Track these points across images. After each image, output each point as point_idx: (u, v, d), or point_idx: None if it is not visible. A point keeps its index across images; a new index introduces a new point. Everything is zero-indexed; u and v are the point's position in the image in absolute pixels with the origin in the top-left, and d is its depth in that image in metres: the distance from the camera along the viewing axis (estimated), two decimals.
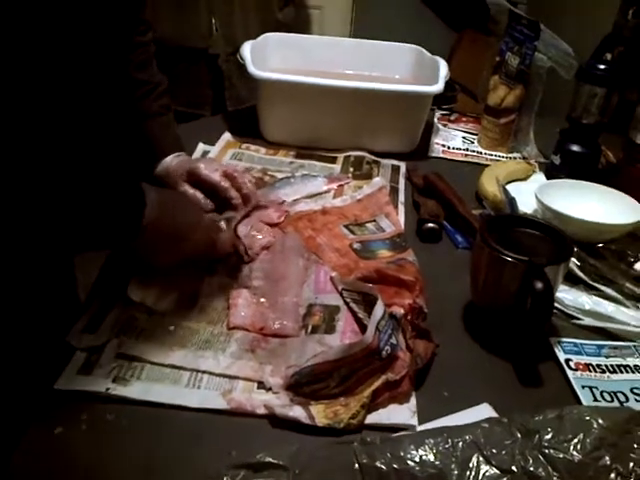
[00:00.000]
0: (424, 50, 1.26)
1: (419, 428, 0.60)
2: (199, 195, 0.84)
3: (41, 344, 0.67)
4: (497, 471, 0.50)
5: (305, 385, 0.62)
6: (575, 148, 1.05)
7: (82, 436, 0.57)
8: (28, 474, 0.54)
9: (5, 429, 0.58)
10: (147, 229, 0.63)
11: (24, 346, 0.72)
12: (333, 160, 1.11)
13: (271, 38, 1.25)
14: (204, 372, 0.64)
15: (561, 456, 0.50)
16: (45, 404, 0.59)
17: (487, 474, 0.50)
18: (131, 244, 0.65)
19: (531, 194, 0.94)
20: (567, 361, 0.70)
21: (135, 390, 0.61)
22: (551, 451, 0.50)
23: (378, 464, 0.50)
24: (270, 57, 1.22)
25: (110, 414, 0.59)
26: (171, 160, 0.88)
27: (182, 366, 0.64)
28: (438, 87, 1.08)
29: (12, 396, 0.66)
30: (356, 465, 0.50)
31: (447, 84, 1.12)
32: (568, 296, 0.79)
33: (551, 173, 1.07)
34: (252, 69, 1.07)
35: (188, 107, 1.39)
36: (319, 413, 0.60)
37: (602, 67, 1.00)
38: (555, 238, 0.72)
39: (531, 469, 0.49)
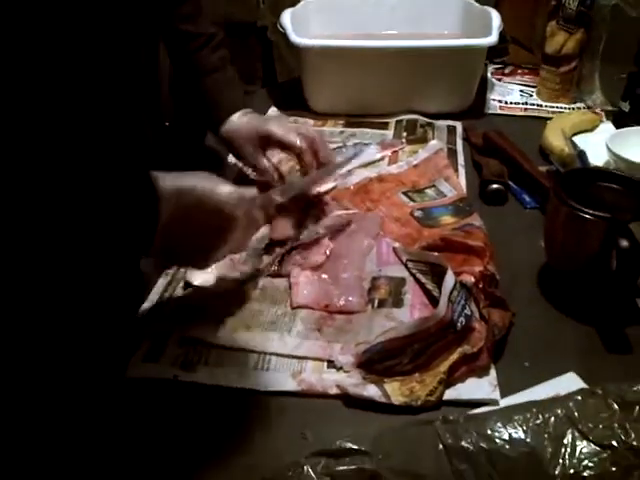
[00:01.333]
0: (472, 1, 1.19)
1: (502, 402, 0.56)
2: (268, 165, 0.79)
3: (109, 333, 0.66)
4: (596, 447, 0.46)
5: (377, 362, 0.59)
6: None
7: (153, 424, 0.56)
8: (103, 462, 0.53)
9: (79, 417, 0.58)
10: (164, 229, 0.53)
11: (93, 335, 0.71)
12: (384, 126, 1.06)
13: (311, 3, 1.20)
14: (272, 354, 0.62)
15: None
16: (118, 392, 0.58)
17: (585, 450, 0.46)
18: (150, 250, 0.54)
19: (600, 145, 0.88)
20: None
21: (202, 375, 0.60)
22: None
23: (464, 444, 0.47)
24: (312, 23, 1.18)
25: (180, 401, 0.58)
26: (238, 119, 0.82)
27: (248, 348, 0.63)
28: (492, 39, 1.02)
29: (83, 386, 0.66)
30: (440, 446, 0.47)
31: (499, 35, 1.05)
32: None
33: (620, 121, 1.00)
34: (293, 37, 1.03)
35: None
36: (394, 391, 0.57)
37: None
38: (636, 191, 0.67)
39: (634, 443, 0.45)
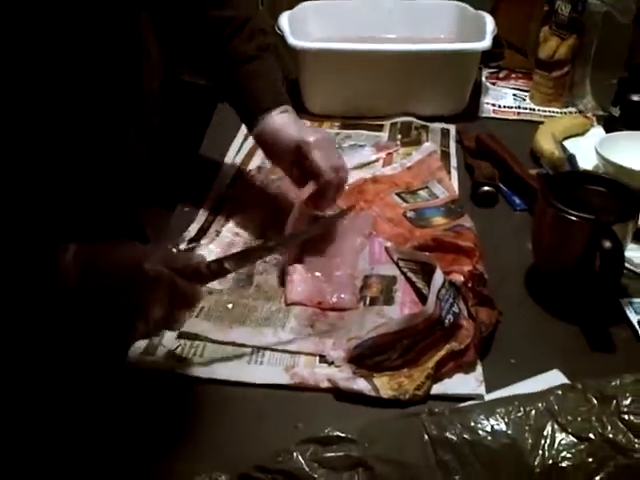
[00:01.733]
0: (467, 6, 1.21)
1: (487, 397, 0.58)
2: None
3: (105, 327, 0.68)
4: (574, 439, 0.48)
5: (367, 357, 0.61)
6: (636, 98, 0.99)
7: (150, 416, 0.58)
8: (102, 454, 0.55)
9: (73, 413, 0.59)
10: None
11: (91, 331, 0.73)
12: (380, 128, 1.08)
13: (309, 6, 1.22)
14: (265, 348, 0.64)
15: None
16: (113, 385, 0.60)
17: (563, 442, 0.48)
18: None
19: (590, 149, 0.90)
20: None
21: (198, 369, 0.62)
22: (631, 417, 0.48)
23: (448, 435, 0.49)
24: (309, 26, 1.20)
25: (176, 393, 0.60)
26: (273, 121, 0.75)
27: (243, 343, 0.65)
28: (486, 43, 1.04)
29: (80, 380, 0.67)
30: (426, 437, 0.49)
31: (493, 40, 1.07)
32: (637, 254, 0.75)
33: (610, 126, 1.01)
34: (290, 39, 1.05)
35: None
36: (383, 385, 0.59)
37: None
38: (622, 194, 0.69)
39: (610, 436, 0.47)
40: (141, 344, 0.64)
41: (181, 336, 0.65)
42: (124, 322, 0.58)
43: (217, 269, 0.60)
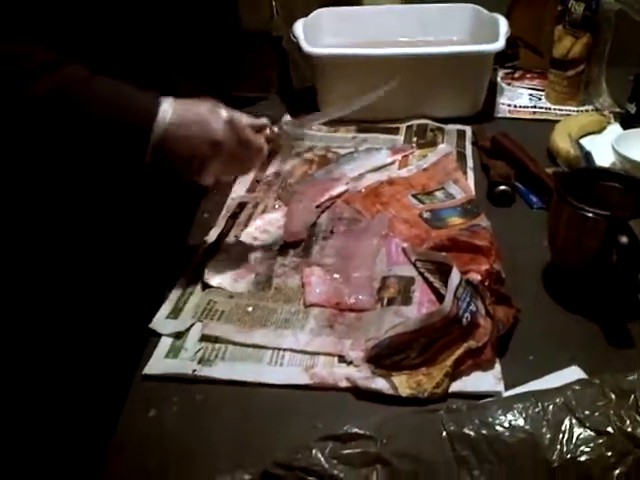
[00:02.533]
0: (481, 8, 1.21)
1: (506, 394, 0.58)
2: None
3: (128, 332, 0.70)
4: (592, 433, 0.48)
5: (386, 357, 0.62)
6: None
7: (174, 417, 0.59)
8: (125, 454, 0.56)
9: (100, 415, 0.61)
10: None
11: (113, 335, 0.75)
12: (395, 131, 1.09)
13: (323, 13, 1.23)
14: (285, 350, 0.65)
15: None
16: (137, 389, 0.62)
17: (581, 436, 0.48)
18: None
19: (607, 147, 0.90)
20: None
21: (220, 370, 0.63)
22: None
23: (466, 431, 0.49)
24: (324, 33, 1.21)
25: (199, 395, 0.61)
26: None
27: (264, 345, 0.66)
28: (499, 45, 1.04)
29: (105, 384, 0.69)
30: (444, 433, 0.49)
31: (508, 41, 1.07)
32: None
33: (627, 123, 1.01)
34: (306, 46, 1.07)
35: (256, 91, 1.40)
36: (402, 384, 0.60)
37: None
38: (638, 190, 0.69)
39: (629, 430, 0.47)
40: (164, 347, 0.66)
41: (203, 339, 0.67)
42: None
43: (277, 133, 0.75)
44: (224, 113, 0.68)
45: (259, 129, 0.73)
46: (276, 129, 0.75)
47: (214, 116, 0.68)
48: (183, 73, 0.82)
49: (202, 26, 0.80)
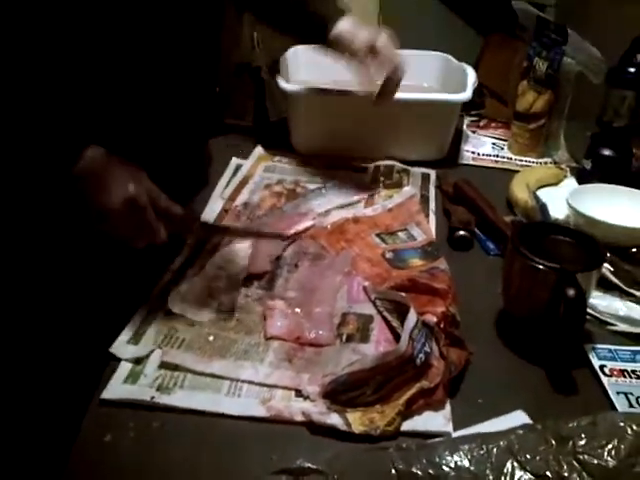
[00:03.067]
0: (451, 57, 1.27)
1: (454, 435, 0.61)
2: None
3: (87, 355, 0.70)
4: (532, 476, 0.51)
5: (342, 393, 0.64)
6: (606, 152, 1.04)
7: (130, 443, 0.60)
8: (80, 479, 0.56)
9: (56, 438, 0.61)
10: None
11: (71, 358, 0.75)
12: (363, 170, 1.12)
13: (300, 50, 1.27)
14: (244, 381, 0.66)
15: (595, 462, 0.51)
16: (94, 413, 0.62)
17: (522, 479, 0.50)
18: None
19: (563, 199, 0.94)
20: (602, 367, 0.70)
21: (178, 398, 0.64)
22: (585, 457, 0.51)
23: (414, 470, 0.51)
24: (299, 69, 1.25)
25: (156, 422, 0.62)
26: (346, 23, 0.94)
27: (222, 375, 0.67)
28: (466, 95, 1.09)
29: (61, 407, 0.69)
30: (393, 471, 0.51)
31: (475, 89, 1.13)
32: (602, 302, 0.79)
33: (583, 178, 1.07)
34: (281, 82, 1.10)
35: (230, 119, 1.43)
36: (355, 420, 0.62)
37: (632, 70, 0.99)
38: (587, 244, 0.73)
39: (565, 474, 0.50)
40: (123, 372, 0.66)
41: (162, 366, 0.67)
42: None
43: (186, 225, 0.74)
44: (130, 189, 0.66)
45: (170, 215, 0.71)
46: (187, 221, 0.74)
47: (119, 187, 0.66)
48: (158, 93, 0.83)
49: (184, 51, 0.82)
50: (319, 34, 0.96)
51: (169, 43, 0.77)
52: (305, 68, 1.26)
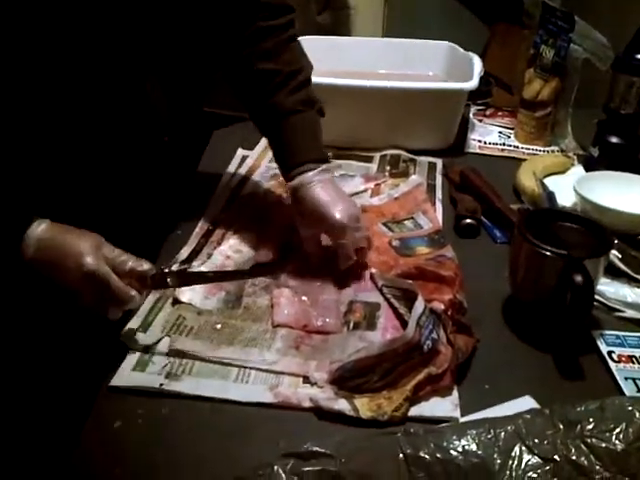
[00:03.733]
0: (457, 46, 1.27)
1: (462, 420, 0.61)
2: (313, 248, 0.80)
3: (97, 344, 0.70)
4: (540, 460, 0.51)
5: (349, 379, 0.64)
6: (613, 139, 1.04)
7: (139, 429, 0.60)
8: (89, 465, 0.57)
9: (66, 425, 0.62)
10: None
11: (81, 346, 0.75)
12: (369, 159, 1.12)
13: (305, 42, 1.26)
14: (251, 368, 0.67)
15: (603, 445, 0.51)
16: (104, 401, 0.62)
17: (530, 463, 0.51)
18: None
19: (570, 187, 0.94)
20: (610, 353, 0.70)
21: (186, 385, 0.64)
22: (593, 440, 0.51)
23: (422, 454, 0.51)
24: None
25: (164, 408, 0.62)
26: (310, 182, 0.77)
27: (230, 362, 0.67)
28: (473, 83, 1.09)
29: (71, 394, 0.70)
30: (400, 455, 0.51)
31: (482, 78, 1.12)
32: (610, 289, 0.79)
33: (590, 165, 1.06)
34: None
35: (232, 110, 1.42)
36: (363, 406, 0.62)
37: (639, 57, 0.98)
38: (594, 231, 0.73)
39: (573, 458, 0.50)
40: (132, 360, 0.67)
41: (171, 354, 0.68)
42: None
43: (159, 282, 0.69)
44: (86, 263, 0.62)
45: (140, 275, 0.66)
46: (156, 277, 0.69)
47: (74, 262, 0.62)
48: (155, 83, 0.80)
49: (182, 37, 0.79)
50: (285, 174, 0.81)
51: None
52: (311, 59, 1.25)
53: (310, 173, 0.77)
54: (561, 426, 0.53)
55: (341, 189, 0.81)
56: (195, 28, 0.77)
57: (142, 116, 0.75)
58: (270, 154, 1.12)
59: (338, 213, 0.76)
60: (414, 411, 0.62)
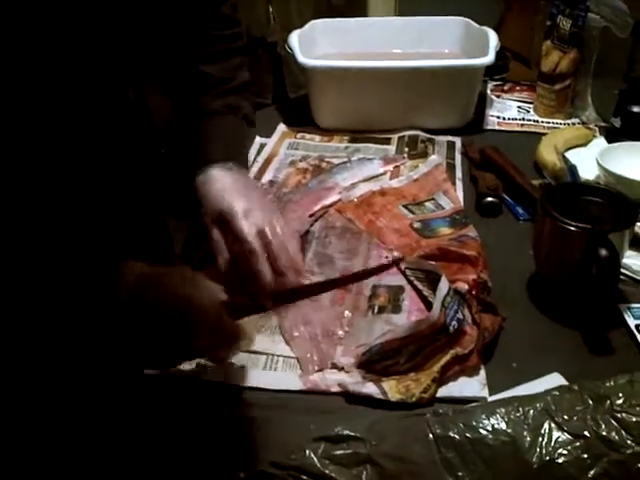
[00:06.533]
0: (471, 21, 1.25)
1: (490, 399, 0.61)
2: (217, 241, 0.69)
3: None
4: (569, 436, 0.51)
5: (376, 362, 0.64)
6: (636, 109, 1.02)
7: (172, 418, 0.61)
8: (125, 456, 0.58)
9: (98, 410, 0.62)
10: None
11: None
12: (387, 141, 1.12)
13: (318, 25, 1.26)
14: (279, 355, 0.68)
15: (634, 419, 0.51)
16: (137, 389, 0.64)
17: (560, 440, 0.51)
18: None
19: (592, 160, 0.93)
20: (637, 326, 0.69)
21: (217, 375, 0.65)
22: (623, 415, 0.51)
23: (451, 434, 0.52)
24: (318, 44, 1.24)
25: (195, 397, 0.63)
26: (216, 176, 0.71)
27: (258, 350, 0.68)
28: (489, 59, 1.07)
29: (102, 381, 0.70)
30: (430, 435, 0.52)
31: (498, 53, 1.11)
32: (636, 261, 0.78)
33: (612, 136, 1.04)
34: (300, 58, 1.09)
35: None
36: (391, 389, 0.63)
37: None
38: (619, 204, 0.72)
39: (604, 433, 0.50)
40: None
41: None
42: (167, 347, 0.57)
43: (258, 305, 0.62)
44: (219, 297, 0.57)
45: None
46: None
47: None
48: (155, 84, 0.77)
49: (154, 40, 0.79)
50: (190, 172, 0.74)
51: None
52: (323, 42, 1.25)
53: (214, 170, 0.72)
54: (590, 402, 0.53)
55: (254, 187, 0.75)
56: (165, 32, 0.76)
57: (131, 128, 0.73)
58: (287, 141, 1.13)
59: (245, 223, 0.66)
60: (442, 392, 0.63)
